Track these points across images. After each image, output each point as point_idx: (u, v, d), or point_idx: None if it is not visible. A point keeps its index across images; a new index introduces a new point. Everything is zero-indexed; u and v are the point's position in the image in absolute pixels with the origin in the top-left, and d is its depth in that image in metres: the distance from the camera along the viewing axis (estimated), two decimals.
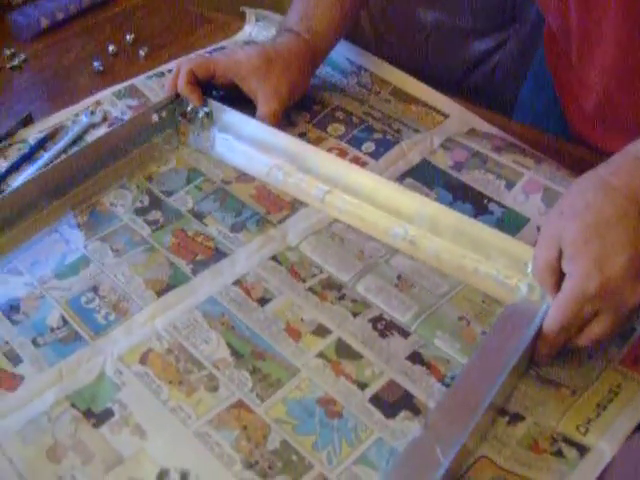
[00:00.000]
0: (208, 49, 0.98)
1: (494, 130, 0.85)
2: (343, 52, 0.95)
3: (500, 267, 0.66)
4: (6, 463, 0.54)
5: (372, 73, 0.93)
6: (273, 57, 0.83)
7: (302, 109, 0.88)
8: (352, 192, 0.73)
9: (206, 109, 0.82)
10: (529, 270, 0.65)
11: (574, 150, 0.83)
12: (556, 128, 0.91)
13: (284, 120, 0.85)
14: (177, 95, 0.83)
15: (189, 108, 0.83)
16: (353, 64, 0.94)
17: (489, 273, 0.67)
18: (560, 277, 0.59)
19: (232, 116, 0.82)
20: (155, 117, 0.82)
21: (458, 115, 0.87)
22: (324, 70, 0.95)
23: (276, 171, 0.77)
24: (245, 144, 0.80)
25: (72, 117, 0.87)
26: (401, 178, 0.78)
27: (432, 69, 1.46)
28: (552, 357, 0.60)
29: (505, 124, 0.86)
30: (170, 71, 0.92)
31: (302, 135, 0.84)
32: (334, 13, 0.88)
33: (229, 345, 0.61)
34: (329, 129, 0.85)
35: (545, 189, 0.75)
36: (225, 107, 0.82)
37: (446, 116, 0.87)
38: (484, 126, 0.85)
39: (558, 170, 0.78)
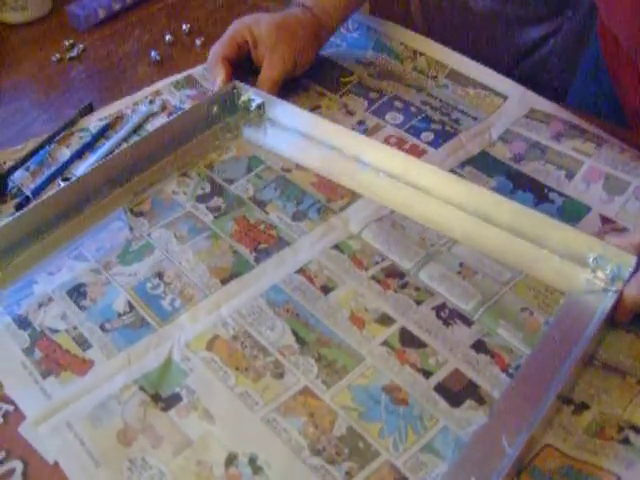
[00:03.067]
0: None
1: (554, 109, 0.84)
2: (398, 37, 0.95)
3: (561, 257, 0.66)
4: (77, 444, 0.55)
5: (428, 57, 0.93)
6: (282, 26, 0.88)
7: (360, 97, 0.89)
8: (409, 183, 0.74)
9: (259, 101, 0.83)
10: (590, 260, 0.64)
11: (636, 139, 0.82)
12: (611, 117, 0.90)
13: (342, 109, 0.86)
14: (233, 87, 0.84)
15: (241, 100, 0.84)
16: (408, 49, 0.94)
17: (550, 263, 0.66)
18: None
19: (283, 108, 0.82)
20: (214, 108, 0.83)
21: (517, 96, 0.86)
22: (381, 56, 0.95)
23: (329, 164, 0.78)
24: (297, 136, 0.81)
25: (131, 106, 0.89)
26: (461, 166, 0.78)
27: (484, 57, 1.45)
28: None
29: (565, 107, 0.85)
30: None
31: (360, 123, 0.85)
32: (343, 5, 0.92)
33: (294, 332, 0.61)
34: (387, 117, 0.85)
35: (607, 177, 0.75)
36: (277, 99, 0.83)
37: (505, 98, 0.86)
38: (544, 105, 0.85)
39: (620, 153, 0.77)
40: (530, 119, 0.83)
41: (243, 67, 0.90)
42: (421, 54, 0.93)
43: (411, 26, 1.57)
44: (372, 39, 0.96)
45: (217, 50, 0.88)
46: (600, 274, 0.64)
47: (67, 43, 1.02)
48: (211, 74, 0.89)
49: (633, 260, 0.62)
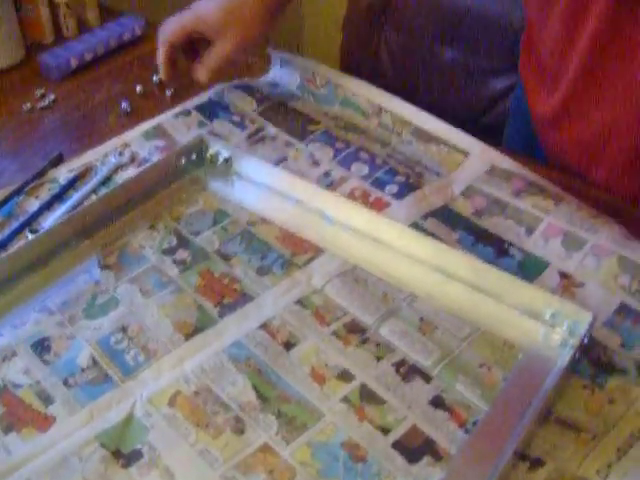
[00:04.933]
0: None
1: (514, 167, 0.86)
2: (364, 94, 0.97)
3: (519, 313, 0.68)
4: None
5: (393, 113, 0.95)
6: (229, 10, 0.92)
7: (326, 145, 0.90)
8: (372, 238, 0.75)
9: (226, 155, 0.84)
10: (547, 316, 0.66)
11: (592, 191, 0.85)
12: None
13: (309, 160, 0.88)
14: (201, 140, 0.85)
15: (209, 153, 0.85)
16: (374, 105, 0.96)
17: (508, 319, 0.68)
18: None
19: (250, 162, 0.84)
20: (181, 160, 0.84)
21: (478, 153, 0.89)
22: (347, 112, 0.97)
23: (294, 218, 0.79)
24: (263, 190, 0.83)
25: (101, 157, 0.90)
26: (424, 217, 0.80)
27: (450, 106, 1.48)
28: None
29: (523, 163, 0.87)
30: (197, 107, 0.97)
31: (326, 174, 0.86)
32: None
33: (255, 388, 0.62)
34: (353, 168, 0.87)
35: (565, 233, 0.77)
36: (244, 153, 0.85)
37: (467, 154, 0.89)
38: (504, 162, 0.87)
39: (578, 210, 0.79)
40: (491, 176, 0.85)
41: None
42: (386, 111, 0.95)
43: (380, 75, 1.62)
44: (339, 95, 0.98)
45: (164, 35, 0.95)
46: (557, 330, 0.66)
47: (38, 93, 1.04)
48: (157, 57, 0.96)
49: (589, 316, 0.64)
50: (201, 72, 0.95)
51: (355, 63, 1.63)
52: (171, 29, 0.95)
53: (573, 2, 0.77)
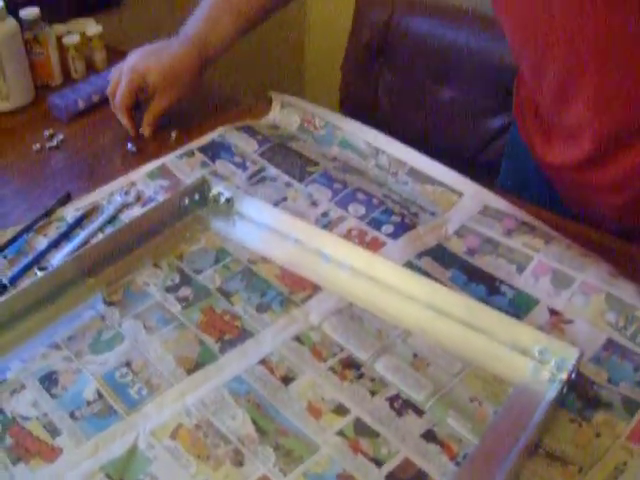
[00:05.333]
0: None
1: (505, 207, 0.89)
2: (362, 136, 1.01)
3: (509, 349, 0.71)
4: None
5: (389, 155, 0.98)
6: (170, 74, 1.03)
7: (324, 186, 0.93)
8: (368, 277, 0.78)
9: (227, 195, 0.88)
10: (536, 352, 0.69)
11: (582, 231, 0.88)
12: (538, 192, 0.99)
13: (308, 200, 0.91)
14: (204, 181, 0.89)
15: (211, 194, 0.89)
16: (371, 147, 0.99)
17: (498, 355, 0.71)
18: None
19: (251, 203, 0.87)
20: (185, 200, 0.87)
21: (472, 194, 0.92)
22: (345, 153, 1.00)
23: (293, 257, 0.83)
24: (263, 229, 0.86)
25: (107, 197, 0.93)
26: (418, 256, 0.83)
27: (447, 144, 1.52)
28: None
29: (515, 203, 0.90)
30: (200, 148, 1.01)
31: (324, 214, 0.89)
32: (230, 35, 1.07)
33: (254, 422, 0.65)
34: (350, 209, 0.90)
35: (554, 271, 0.79)
36: (245, 194, 0.88)
37: (460, 195, 0.92)
38: (496, 203, 0.90)
39: (567, 249, 0.82)
40: (484, 215, 0.88)
41: None
42: (383, 152, 0.98)
43: (378, 113, 1.65)
44: (337, 137, 1.02)
45: (118, 101, 1.04)
46: (546, 365, 0.69)
47: (47, 133, 1.07)
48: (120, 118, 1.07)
49: (576, 352, 0.67)
50: (145, 130, 1.07)
51: (354, 102, 1.67)
52: (122, 102, 1.04)
53: (565, 72, 0.80)
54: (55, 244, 0.86)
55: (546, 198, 0.97)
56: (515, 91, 1.04)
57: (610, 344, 0.72)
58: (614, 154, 0.83)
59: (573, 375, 0.67)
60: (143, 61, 1.04)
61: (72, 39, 1.22)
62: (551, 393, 0.66)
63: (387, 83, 1.61)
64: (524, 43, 0.85)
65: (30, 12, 1.17)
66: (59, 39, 1.23)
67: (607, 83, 0.77)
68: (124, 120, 1.06)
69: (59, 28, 1.26)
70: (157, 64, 1.03)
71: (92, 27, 1.27)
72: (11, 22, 1.11)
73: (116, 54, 1.30)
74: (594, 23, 0.73)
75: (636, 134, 0.80)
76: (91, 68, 1.27)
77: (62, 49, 1.23)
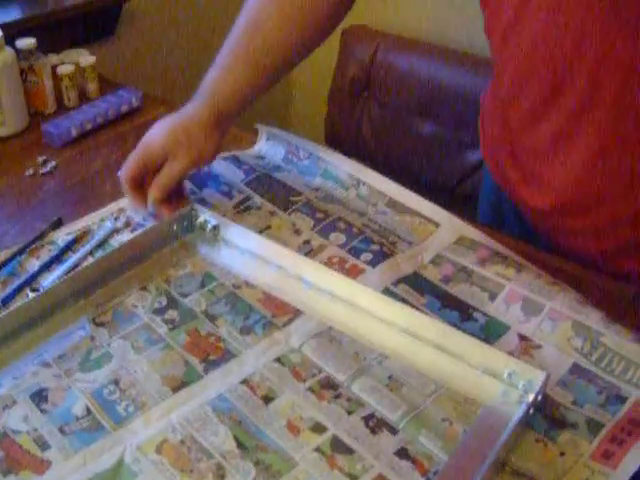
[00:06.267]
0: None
1: (480, 237, 0.93)
2: (344, 168, 1.05)
3: (479, 372, 0.74)
4: None
5: (370, 186, 1.02)
6: (176, 132, 0.92)
7: (307, 216, 0.97)
8: (347, 302, 0.82)
9: (214, 223, 0.91)
10: (505, 375, 0.73)
11: (555, 262, 0.92)
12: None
13: (291, 229, 0.95)
14: (191, 208, 0.93)
15: (198, 221, 0.92)
16: (352, 178, 1.04)
17: (469, 377, 0.74)
18: None
19: (236, 230, 0.91)
20: (173, 227, 0.91)
21: (448, 224, 0.96)
22: (327, 183, 1.04)
23: (275, 282, 0.86)
24: (248, 256, 0.89)
25: (98, 222, 0.96)
26: (395, 283, 0.87)
27: (428, 176, 1.57)
28: None
29: (489, 233, 0.94)
30: (188, 177, 1.01)
31: (306, 242, 0.93)
32: (240, 80, 0.96)
33: (236, 438, 0.68)
34: (331, 237, 0.94)
35: (524, 299, 0.83)
36: (231, 222, 0.92)
37: (437, 225, 0.96)
38: (472, 233, 0.94)
39: (537, 278, 0.86)
40: (459, 245, 0.92)
41: None
42: (364, 183, 1.02)
43: (362, 146, 1.70)
44: (320, 167, 1.06)
45: (121, 173, 0.94)
46: (514, 388, 0.72)
47: (40, 159, 1.11)
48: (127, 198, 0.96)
49: (543, 375, 0.70)
50: (150, 192, 0.93)
51: (339, 134, 1.72)
52: (126, 172, 0.94)
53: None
54: (47, 266, 0.89)
55: (522, 234, 1.00)
56: (481, 133, 1.08)
57: (576, 368, 0.76)
58: (601, 201, 0.86)
59: (540, 397, 0.70)
60: (154, 129, 0.95)
61: (66, 69, 1.27)
62: (518, 414, 0.69)
63: (371, 117, 1.66)
64: (528, 84, 0.85)
65: (26, 42, 1.21)
66: (54, 68, 1.27)
67: (611, 129, 0.80)
68: (127, 195, 0.95)
69: (54, 58, 1.31)
70: (165, 127, 0.94)
71: (86, 58, 1.31)
72: (9, 52, 1.16)
73: (109, 84, 1.34)
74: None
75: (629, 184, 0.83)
76: (84, 97, 1.31)
77: (56, 78, 1.27)
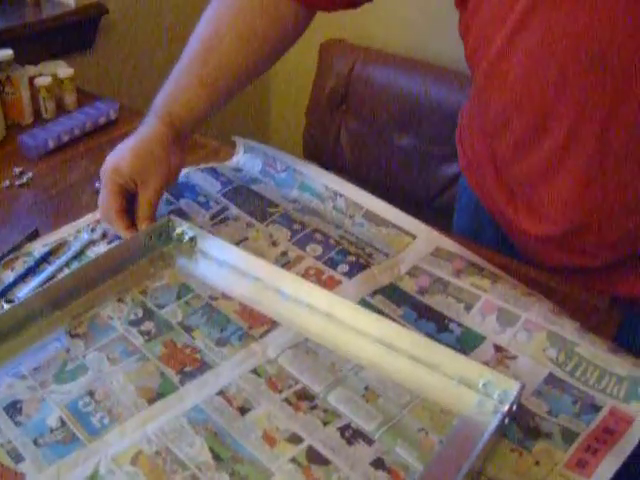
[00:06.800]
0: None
1: (456, 248, 0.94)
2: (321, 179, 1.05)
3: (455, 382, 0.75)
4: None
5: (347, 198, 1.03)
6: (141, 156, 0.92)
7: (284, 227, 0.98)
8: (323, 313, 0.82)
9: (191, 234, 0.92)
10: (480, 385, 0.73)
11: (531, 272, 0.93)
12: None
13: (268, 240, 0.95)
14: (168, 220, 0.92)
15: (175, 232, 0.92)
16: (329, 190, 1.04)
17: (445, 388, 0.75)
18: None
19: (213, 242, 0.91)
20: (150, 238, 0.91)
21: (424, 236, 0.97)
22: (304, 195, 1.05)
23: (252, 294, 0.86)
24: (225, 267, 0.90)
25: (74, 233, 0.96)
26: (372, 295, 0.87)
27: (406, 189, 1.58)
28: None
29: (467, 245, 0.95)
30: None
31: (284, 254, 0.93)
32: (195, 101, 0.96)
33: (211, 449, 0.68)
34: (308, 249, 0.94)
35: (500, 310, 0.84)
36: (208, 233, 0.92)
37: (414, 237, 0.96)
38: (448, 245, 0.95)
39: (513, 289, 0.87)
40: (435, 257, 0.93)
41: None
42: (341, 195, 1.03)
43: (340, 159, 1.71)
44: (297, 180, 1.06)
45: (106, 209, 0.93)
46: (489, 398, 0.73)
47: (17, 170, 1.10)
48: (112, 227, 0.94)
49: (517, 386, 0.71)
50: (140, 225, 0.92)
51: (317, 147, 1.73)
52: (104, 203, 0.93)
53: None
54: (22, 278, 0.88)
55: (500, 242, 1.02)
56: (459, 148, 1.09)
57: (551, 378, 0.77)
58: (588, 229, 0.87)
59: (514, 407, 0.70)
60: (112, 157, 0.94)
61: (44, 80, 1.27)
62: (493, 424, 0.69)
63: (349, 130, 1.67)
64: (513, 119, 0.86)
65: (3, 54, 1.21)
66: (31, 80, 1.27)
67: (604, 152, 0.80)
68: (117, 229, 0.93)
69: (31, 69, 1.30)
70: (128, 153, 0.93)
71: (64, 69, 1.31)
72: None
73: (87, 96, 1.34)
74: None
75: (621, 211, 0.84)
76: (61, 109, 1.31)
77: (34, 90, 1.27)
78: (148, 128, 0.95)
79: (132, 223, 0.93)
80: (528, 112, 0.83)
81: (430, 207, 1.49)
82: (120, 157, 0.92)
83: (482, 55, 0.86)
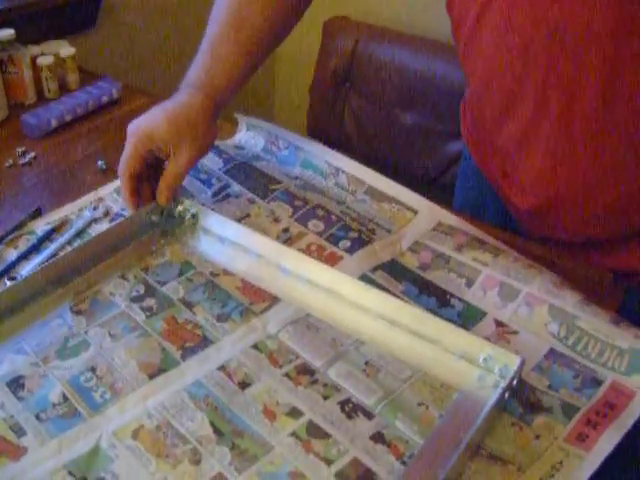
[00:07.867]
0: None
1: (457, 223, 0.94)
2: (323, 156, 1.05)
3: (455, 357, 0.75)
4: None
5: (348, 174, 1.03)
6: (180, 123, 0.88)
7: (286, 203, 0.98)
8: (324, 289, 0.82)
9: (193, 211, 0.92)
10: (481, 360, 0.73)
11: (534, 248, 0.92)
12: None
13: (270, 217, 0.95)
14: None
15: (177, 209, 0.92)
16: (331, 166, 1.04)
17: (445, 362, 0.75)
18: None
19: (215, 219, 0.91)
20: (152, 216, 0.91)
21: (426, 211, 0.96)
22: (306, 172, 1.04)
23: (254, 270, 0.86)
24: (226, 244, 0.90)
25: (76, 211, 0.96)
26: (373, 270, 0.87)
27: (410, 166, 1.57)
28: None
29: (468, 220, 0.95)
30: None
31: (285, 230, 0.93)
32: (234, 69, 0.94)
33: (212, 424, 0.68)
34: (309, 225, 0.94)
35: (501, 284, 0.84)
36: (210, 210, 0.92)
37: (415, 212, 0.96)
38: (449, 219, 0.95)
39: (514, 262, 0.87)
40: (437, 231, 0.93)
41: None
42: (343, 172, 1.03)
43: (344, 137, 1.71)
44: (300, 157, 1.06)
45: (123, 169, 0.89)
46: (490, 372, 0.73)
47: (20, 150, 1.11)
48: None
49: (518, 360, 0.71)
50: (160, 196, 0.90)
51: (321, 126, 1.73)
52: (127, 170, 0.88)
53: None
54: (25, 256, 0.89)
55: (503, 216, 1.02)
56: (462, 118, 1.09)
57: (552, 353, 0.77)
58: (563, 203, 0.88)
59: (515, 381, 0.71)
60: (145, 120, 0.90)
61: (46, 60, 1.26)
62: (494, 398, 0.69)
63: (353, 107, 1.67)
64: (488, 91, 0.90)
65: (5, 33, 1.21)
66: (33, 59, 1.26)
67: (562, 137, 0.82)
68: (124, 194, 0.90)
69: (33, 49, 1.30)
70: (163, 117, 0.89)
71: (66, 49, 1.31)
72: None
73: (89, 75, 1.34)
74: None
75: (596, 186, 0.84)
76: (64, 88, 1.31)
77: (36, 69, 1.26)
78: (188, 97, 0.91)
79: (137, 191, 0.90)
80: (501, 84, 0.86)
81: (434, 184, 1.49)
82: (154, 122, 0.89)
83: (462, 32, 0.89)
